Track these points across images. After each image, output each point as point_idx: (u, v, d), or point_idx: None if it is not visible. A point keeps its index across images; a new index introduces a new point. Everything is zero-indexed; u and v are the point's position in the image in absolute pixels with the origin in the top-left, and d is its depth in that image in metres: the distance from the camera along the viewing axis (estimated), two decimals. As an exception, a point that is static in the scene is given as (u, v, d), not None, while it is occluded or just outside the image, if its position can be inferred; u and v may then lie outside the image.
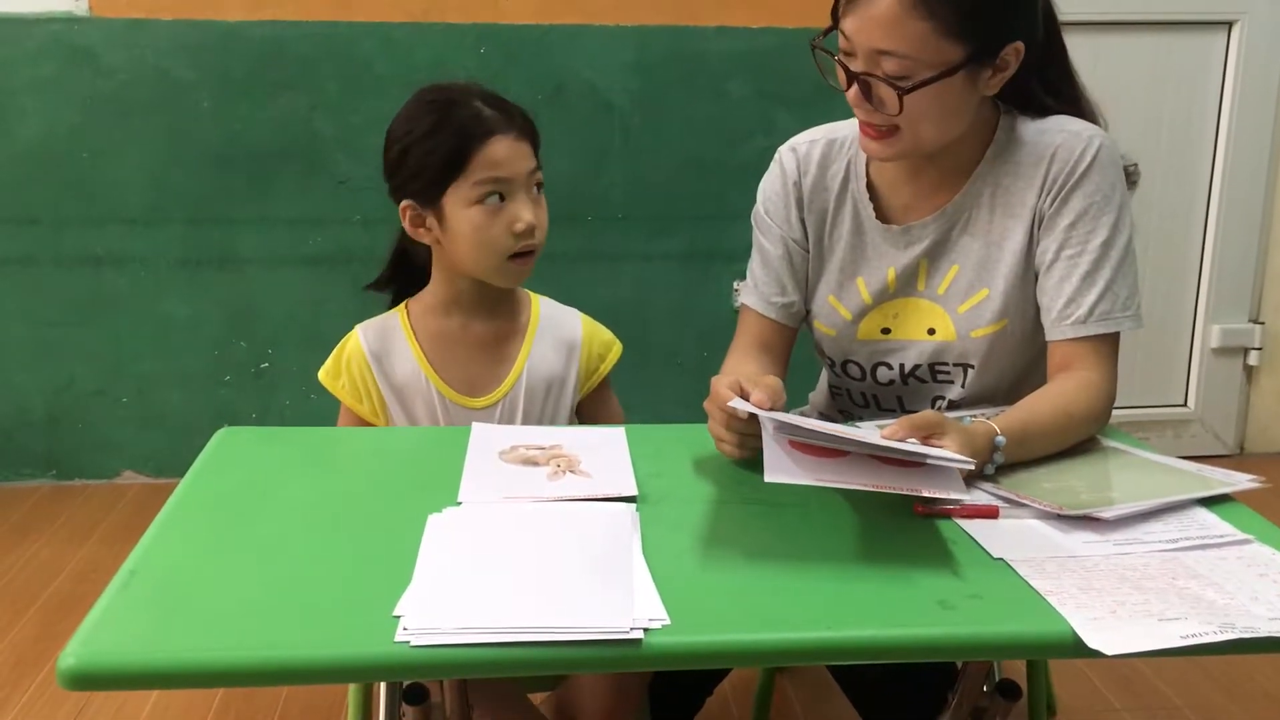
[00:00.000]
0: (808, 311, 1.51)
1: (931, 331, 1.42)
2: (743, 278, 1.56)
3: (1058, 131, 1.35)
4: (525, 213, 1.40)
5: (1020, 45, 1.28)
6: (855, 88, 1.28)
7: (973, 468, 1.10)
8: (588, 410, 1.56)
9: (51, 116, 2.68)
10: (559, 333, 1.53)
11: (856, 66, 1.27)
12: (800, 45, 2.73)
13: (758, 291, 1.50)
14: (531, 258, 1.44)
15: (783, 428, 1.08)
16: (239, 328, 2.86)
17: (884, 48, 1.22)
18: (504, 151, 1.38)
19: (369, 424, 1.48)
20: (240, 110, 2.72)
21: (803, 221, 1.48)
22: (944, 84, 1.24)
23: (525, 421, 1.48)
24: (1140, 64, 2.92)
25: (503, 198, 1.39)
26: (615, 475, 1.18)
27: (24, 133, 2.69)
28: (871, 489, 1.03)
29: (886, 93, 1.26)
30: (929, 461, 1.08)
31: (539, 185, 1.43)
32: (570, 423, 1.54)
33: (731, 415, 1.20)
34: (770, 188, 1.50)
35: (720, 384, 1.22)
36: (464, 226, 1.40)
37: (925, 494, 1.04)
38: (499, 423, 1.46)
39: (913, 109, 1.25)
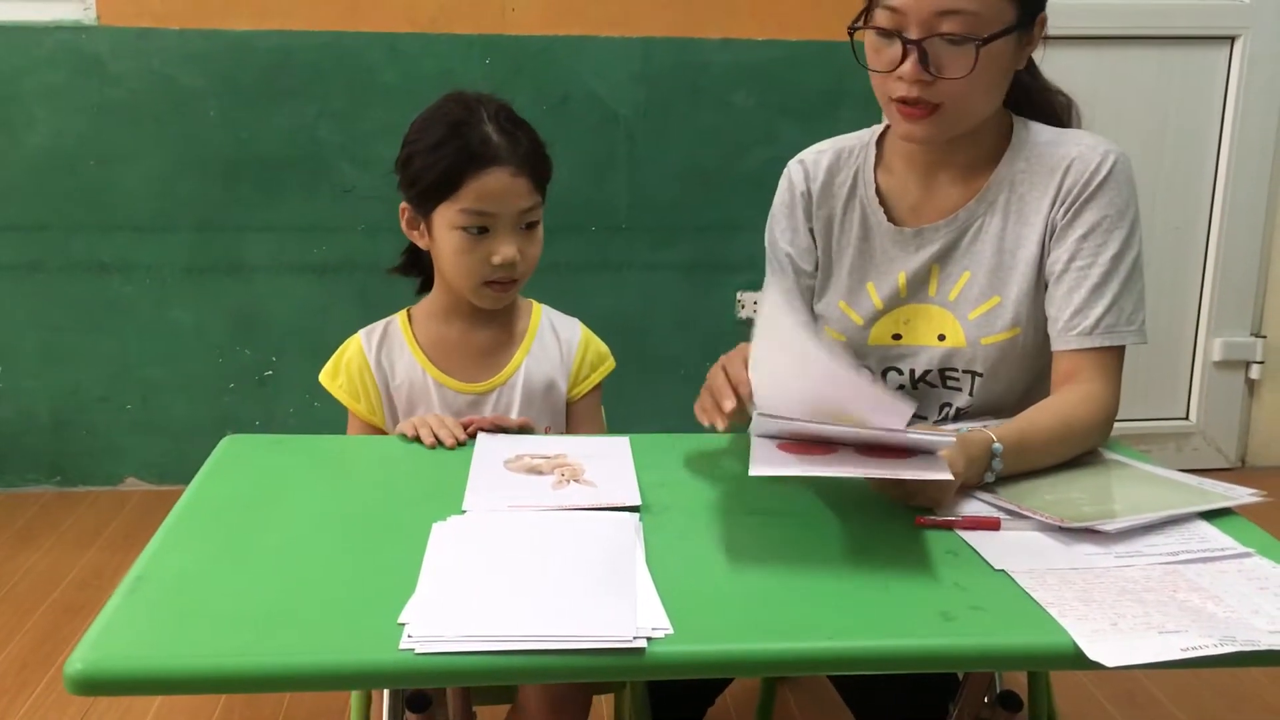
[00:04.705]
0: (816, 317, 1.53)
1: (942, 337, 1.43)
2: (747, 289, 1.57)
3: (1074, 144, 1.37)
4: (505, 248, 1.40)
5: (1045, 16, 1.32)
6: (911, 60, 1.26)
7: (953, 440, 1.11)
8: (572, 415, 1.57)
9: (60, 124, 2.70)
10: (558, 337, 1.55)
11: (913, 35, 1.25)
12: (804, 58, 2.79)
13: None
14: (512, 286, 1.45)
15: (770, 431, 1.08)
16: (243, 335, 2.87)
17: (950, 6, 1.23)
18: (498, 185, 1.38)
19: (373, 425, 1.50)
20: (247, 119, 2.73)
21: (810, 231, 1.49)
22: (1001, 45, 1.26)
23: (519, 418, 1.49)
24: (1144, 77, 2.93)
25: (487, 229, 1.40)
26: (619, 485, 1.18)
27: (33, 140, 2.70)
28: (858, 475, 1.04)
29: (953, 54, 1.25)
30: (915, 449, 1.08)
31: (532, 223, 1.43)
32: (567, 426, 1.55)
33: (730, 393, 1.21)
34: (779, 204, 1.52)
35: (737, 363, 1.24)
36: (446, 246, 1.42)
37: (909, 476, 1.04)
38: (495, 412, 1.48)
39: (976, 71, 1.25)
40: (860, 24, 1.30)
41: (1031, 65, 1.41)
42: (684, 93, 2.82)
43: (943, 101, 1.28)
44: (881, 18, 1.27)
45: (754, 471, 1.03)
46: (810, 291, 1.51)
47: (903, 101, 1.30)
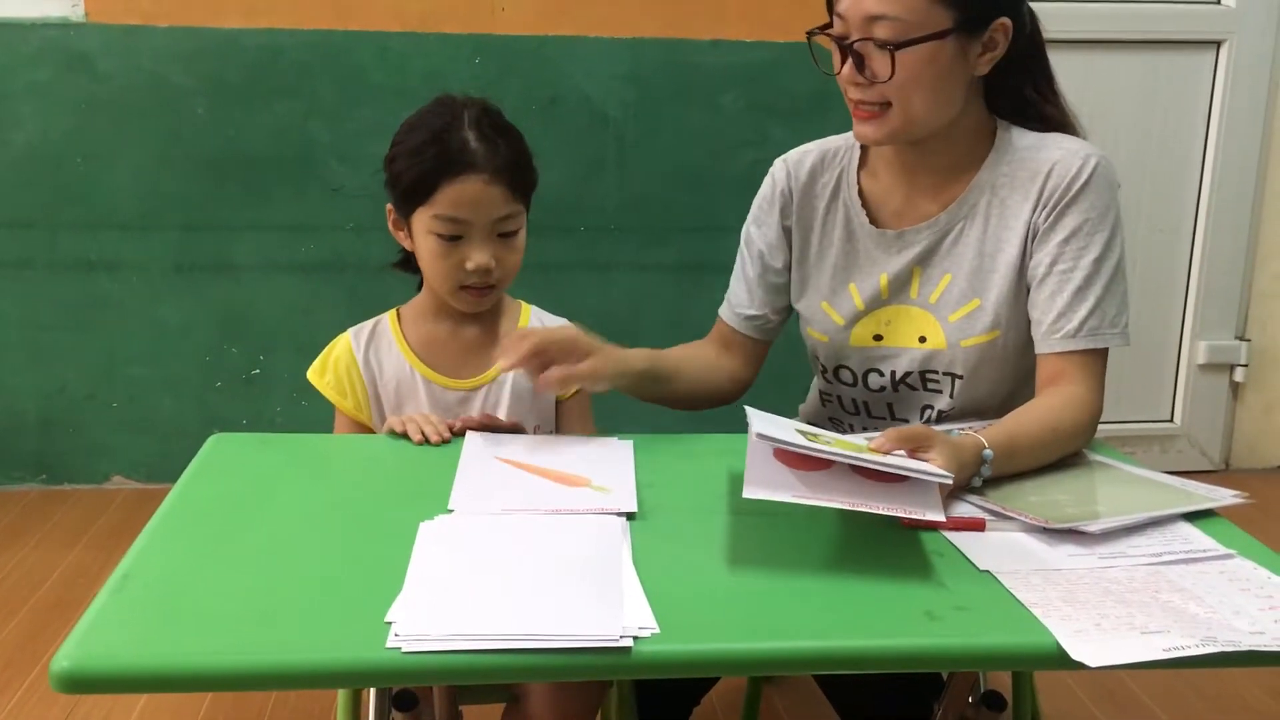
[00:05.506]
0: (783, 319, 1.56)
1: (922, 339, 1.44)
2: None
3: (1055, 148, 1.37)
4: (479, 255, 1.40)
5: (1007, 22, 1.32)
6: (849, 64, 1.31)
7: (951, 482, 1.11)
8: (561, 415, 1.57)
9: (47, 121, 2.68)
10: None
11: (851, 38, 1.30)
12: (793, 59, 2.79)
13: (728, 301, 1.58)
14: (490, 291, 1.45)
15: (767, 438, 1.09)
16: (231, 334, 2.86)
17: (877, 11, 1.26)
18: (471, 193, 1.38)
19: (360, 423, 1.50)
20: (235, 117, 2.72)
21: (786, 229, 1.50)
22: (934, 49, 1.28)
23: (508, 417, 1.48)
24: (1131, 82, 2.94)
25: (461, 236, 1.40)
26: (617, 490, 1.18)
27: (19, 137, 2.69)
28: (849, 508, 1.04)
29: (879, 58, 1.29)
30: (911, 476, 1.09)
31: (509, 231, 1.42)
32: (556, 426, 1.55)
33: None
34: (759, 199, 1.54)
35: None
36: (423, 249, 1.43)
37: (902, 515, 1.05)
38: (482, 410, 1.48)
39: (904, 74, 1.28)
40: (818, 30, 1.35)
41: (1050, 86, 1.42)
42: (673, 93, 2.82)
43: (890, 102, 1.31)
44: (835, 26, 1.33)
45: (748, 493, 1.03)
46: (773, 288, 1.53)
47: (852, 102, 1.34)
